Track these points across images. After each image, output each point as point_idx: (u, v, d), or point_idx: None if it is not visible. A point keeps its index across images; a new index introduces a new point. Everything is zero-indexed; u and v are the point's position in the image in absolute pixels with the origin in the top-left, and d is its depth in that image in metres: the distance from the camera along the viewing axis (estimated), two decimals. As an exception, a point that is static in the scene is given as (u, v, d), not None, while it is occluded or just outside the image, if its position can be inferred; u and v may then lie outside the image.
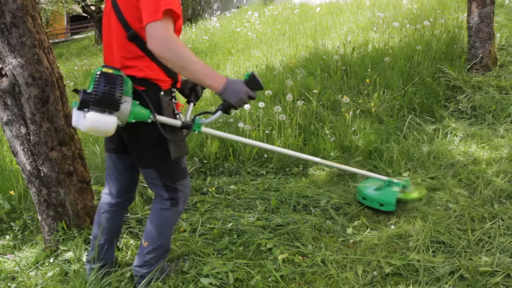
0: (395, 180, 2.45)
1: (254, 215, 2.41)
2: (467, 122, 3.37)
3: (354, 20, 7.00)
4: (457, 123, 3.32)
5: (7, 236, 2.48)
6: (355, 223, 2.29)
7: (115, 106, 1.46)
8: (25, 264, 2.16)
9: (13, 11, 1.87)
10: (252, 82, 1.60)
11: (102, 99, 1.44)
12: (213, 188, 2.84)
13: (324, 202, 2.49)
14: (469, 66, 3.87)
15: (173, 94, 1.69)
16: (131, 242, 2.23)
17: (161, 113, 1.61)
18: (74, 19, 30.66)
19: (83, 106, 1.46)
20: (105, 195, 1.89)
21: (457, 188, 2.51)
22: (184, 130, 1.69)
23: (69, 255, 2.10)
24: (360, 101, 3.77)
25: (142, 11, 1.45)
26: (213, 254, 2.03)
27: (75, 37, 26.43)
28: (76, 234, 2.20)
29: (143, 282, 1.79)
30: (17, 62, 1.91)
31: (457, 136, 3.19)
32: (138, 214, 2.48)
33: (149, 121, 1.57)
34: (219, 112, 1.65)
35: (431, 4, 6.21)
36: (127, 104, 1.51)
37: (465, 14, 4.22)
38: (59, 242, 2.18)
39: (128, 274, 1.91)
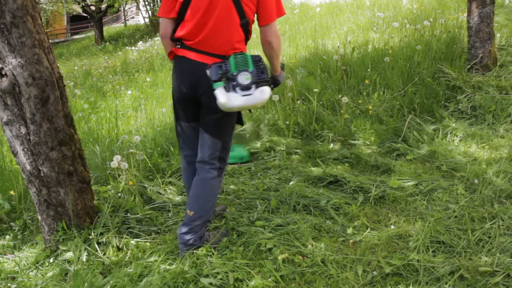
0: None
1: (254, 215, 2.41)
2: (467, 122, 3.37)
3: (354, 20, 7.00)
4: (457, 123, 3.32)
5: (7, 236, 2.48)
6: (355, 223, 2.29)
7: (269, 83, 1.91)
8: (25, 264, 2.16)
9: (13, 11, 1.87)
10: (283, 69, 2.19)
11: (268, 77, 1.90)
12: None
13: (324, 202, 2.49)
14: (469, 66, 3.88)
15: None
16: (132, 242, 2.23)
17: None
18: (74, 19, 30.66)
19: (253, 83, 1.84)
20: (188, 157, 2.22)
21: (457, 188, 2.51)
22: None
23: (69, 255, 2.10)
24: (360, 101, 3.77)
25: (268, 10, 1.91)
26: (213, 254, 2.03)
27: (75, 37, 26.44)
28: (76, 234, 2.19)
29: (187, 248, 2.05)
30: (17, 62, 1.91)
31: (457, 136, 3.19)
32: (138, 214, 2.48)
33: None
34: (271, 86, 2.06)
35: (431, 4, 6.22)
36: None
37: (465, 14, 4.22)
38: (59, 242, 2.18)
39: (132, 272, 1.91)
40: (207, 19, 1.89)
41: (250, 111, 2.39)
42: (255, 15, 1.95)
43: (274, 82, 2.10)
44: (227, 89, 1.82)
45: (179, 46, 1.98)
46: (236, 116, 2.08)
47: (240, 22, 1.90)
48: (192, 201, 2.05)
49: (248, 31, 1.96)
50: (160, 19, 2.03)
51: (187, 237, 2.04)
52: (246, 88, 1.81)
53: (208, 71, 1.86)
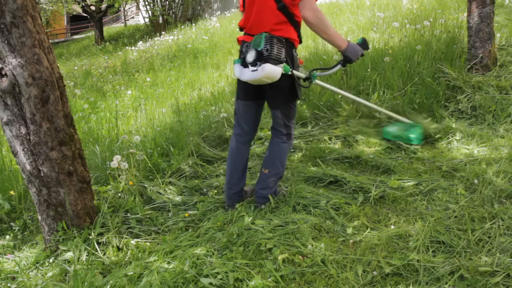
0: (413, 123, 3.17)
1: (254, 215, 2.41)
2: (467, 122, 3.37)
3: (354, 20, 7.00)
4: (457, 123, 3.32)
5: (7, 236, 2.48)
6: (355, 223, 2.29)
7: (282, 60, 2.09)
8: (25, 264, 2.16)
9: (13, 11, 1.87)
10: (363, 44, 2.31)
11: (276, 55, 2.05)
12: (214, 190, 2.84)
13: (324, 202, 2.49)
14: (469, 66, 3.87)
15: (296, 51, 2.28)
16: (131, 242, 2.23)
17: (293, 64, 2.21)
18: (74, 19, 30.66)
19: (257, 60, 2.05)
20: (237, 136, 2.47)
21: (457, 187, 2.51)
22: (305, 80, 2.30)
23: (69, 255, 2.10)
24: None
25: None
26: (213, 254, 2.03)
27: (75, 37, 26.43)
28: (76, 234, 2.20)
29: (264, 201, 2.42)
30: (17, 62, 1.91)
31: (457, 136, 3.19)
32: (138, 214, 2.48)
33: (289, 73, 2.16)
34: (339, 66, 2.33)
35: (431, 4, 6.21)
36: (283, 60, 2.10)
37: (465, 14, 4.22)
38: (59, 242, 2.18)
39: (132, 272, 1.91)
40: (252, 8, 2.22)
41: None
42: None
43: (345, 59, 2.27)
44: (244, 65, 2.15)
45: (243, 34, 2.34)
46: (288, 88, 2.24)
47: (277, 6, 2.12)
48: (267, 161, 2.42)
49: (290, 13, 2.13)
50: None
51: (264, 192, 2.41)
52: (252, 64, 2.08)
53: None
